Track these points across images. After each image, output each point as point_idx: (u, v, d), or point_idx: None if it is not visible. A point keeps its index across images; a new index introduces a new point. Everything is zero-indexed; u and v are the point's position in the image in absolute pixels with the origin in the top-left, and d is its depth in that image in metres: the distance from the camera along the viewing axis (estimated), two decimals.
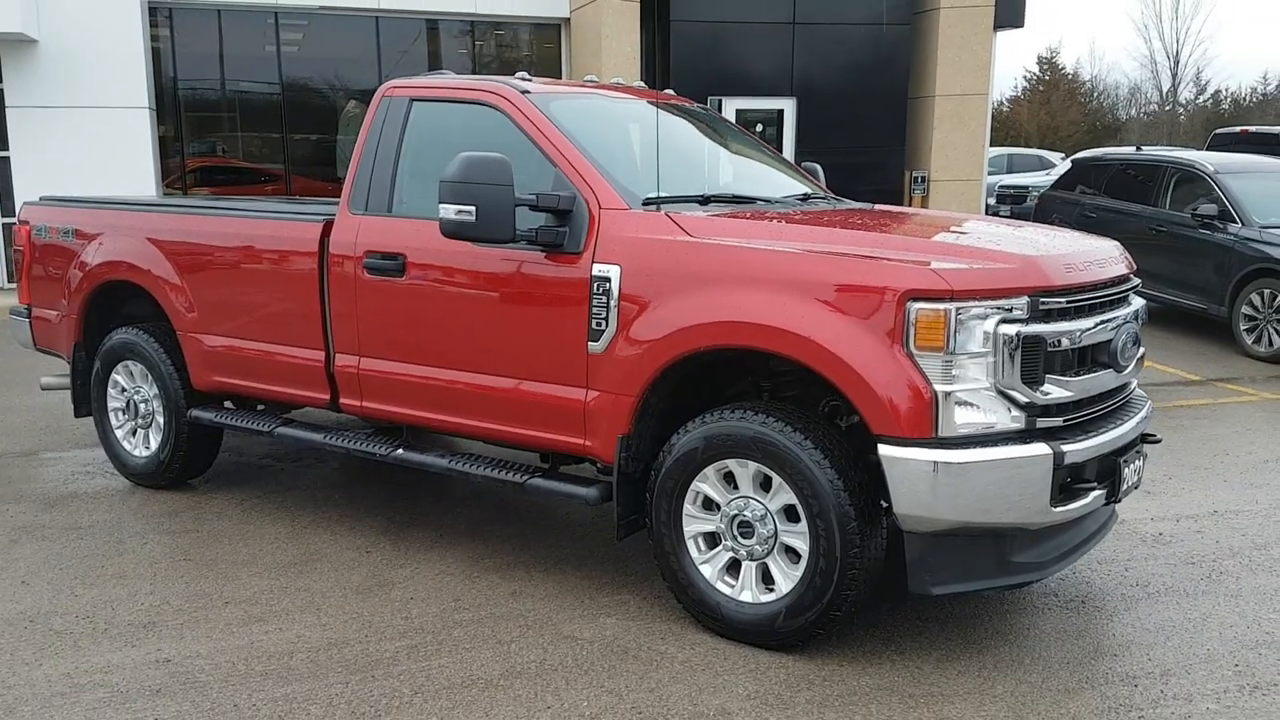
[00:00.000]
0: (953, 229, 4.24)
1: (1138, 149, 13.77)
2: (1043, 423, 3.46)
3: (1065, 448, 3.42)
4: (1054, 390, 3.46)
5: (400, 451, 4.63)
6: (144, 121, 13.72)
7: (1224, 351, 9.77)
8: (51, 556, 4.68)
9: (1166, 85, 45.33)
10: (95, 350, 5.70)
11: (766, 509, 3.69)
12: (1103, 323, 3.66)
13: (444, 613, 4.08)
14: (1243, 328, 9.69)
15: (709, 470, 3.78)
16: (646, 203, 4.07)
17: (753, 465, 3.68)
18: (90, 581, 4.40)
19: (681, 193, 4.27)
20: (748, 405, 3.76)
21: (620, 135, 4.76)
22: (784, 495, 3.63)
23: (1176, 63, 44.61)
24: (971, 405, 3.37)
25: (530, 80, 4.59)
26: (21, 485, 5.74)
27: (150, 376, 5.47)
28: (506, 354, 4.20)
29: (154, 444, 5.54)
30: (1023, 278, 3.46)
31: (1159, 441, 4.24)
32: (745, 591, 3.78)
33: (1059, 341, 3.45)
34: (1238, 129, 19.41)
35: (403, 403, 4.54)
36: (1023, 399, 3.40)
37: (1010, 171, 22.94)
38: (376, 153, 4.62)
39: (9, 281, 13.63)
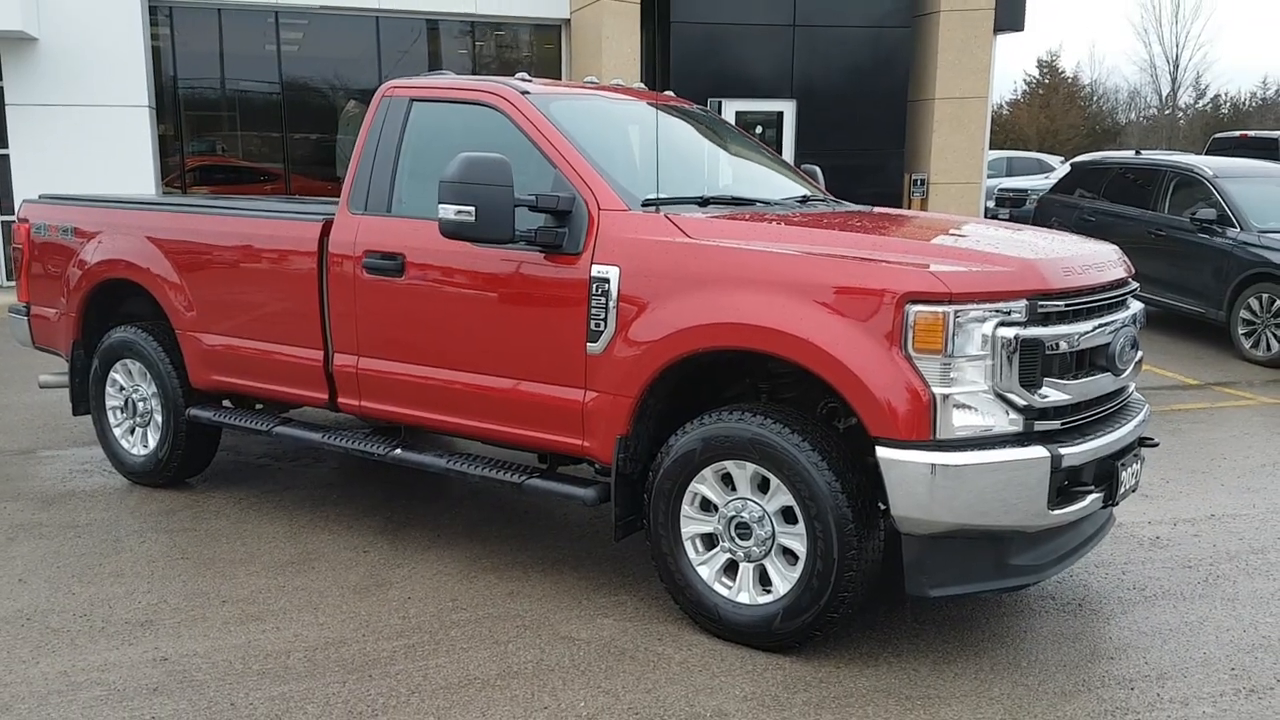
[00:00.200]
0: (952, 232, 4.24)
1: (1137, 153, 13.79)
2: (1040, 426, 3.47)
3: (1063, 451, 3.43)
4: (1052, 393, 3.47)
5: (398, 451, 4.64)
6: (144, 120, 13.72)
7: (1222, 356, 9.78)
8: (49, 554, 4.68)
9: (1166, 89, 45.39)
10: (94, 348, 5.70)
11: (764, 510, 3.69)
12: (1101, 326, 3.67)
13: (441, 612, 4.08)
14: (1241, 332, 9.70)
15: (707, 472, 3.78)
16: (646, 204, 4.07)
17: (750, 467, 3.68)
18: (88, 579, 4.40)
19: (681, 194, 4.27)
20: (746, 407, 3.76)
21: (620, 137, 4.77)
22: (782, 497, 3.64)
23: (1176, 67, 44.67)
24: (969, 408, 3.38)
25: (530, 81, 4.59)
26: (19, 483, 5.74)
27: (149, 375, 5.47)
28: (505, 354, 4.20)
29: (152, 442, 5.54)
30: (1021, 281, 3.46)
31: (1156, 445, 4.25)
32: (743, 593, 3.78)
33: (1057, 345, 3.46)
34: (1236, 133, 19.47)
35: (401, 402, 4.55)
36: (1021, 402, 3.41)
37: (1009, 175, 22.98)
38: (376, 153, 4.62)
39: (8, 279, 13.63)
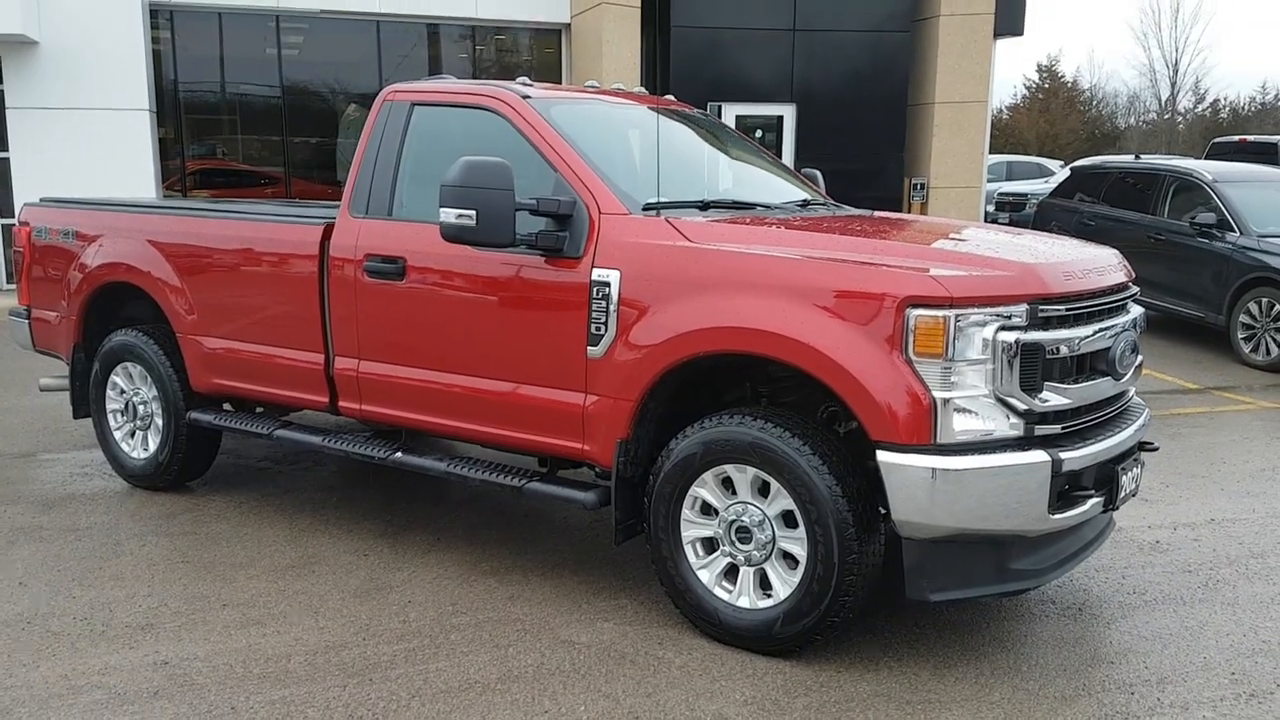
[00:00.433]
0: (952, 236, 4.25)
1: (1137, 157, 13.82)
2: (1041, 430, 3.47)
3: (1063, 455, 3.43)
4: (1052, 398, 3.47)
5: (399, 455, 4.64)
6: (144, 123, 13.73)
7: (1221, 360, 9.79)
8: (49, 558, 4.68)
9: (1165, 94, 45.44)
10: (94, 352, 5.70)
11: (765, 514, 3.70)
12: (1101, 330, 3.67)
13: (441, 616, 4.08)
14: (1240, 336, 9.71)
15: (707, 475, 3.78)
16: (647, 208, 4.08)
17: (751, 471, 3.68)
18: (88, 583, 4.40)
19: (681, 198, 4.28)
20: (746, 411, 3.76)
21: (621, 141, 4.77)
22: (782, 501, 3.64)
23: (1175, 71, 44.73)
24: (970, 412, 3.38)
25: (531, 85, 4.60)
26: (20, 486, 5.74)
27: (149, 378, 5.47)
28: (506, 358, 4.21)
29: (152, 446, 5.54)
30: (1022, 285, 3.47)
31: (1156, 449, 4.25)
32: (743, 597, 3.78)
33: (1057, 349, 3.46)
34: (1236, 138, 19.48)
35: (402, 406, 4.55)
36: (1021, 406, 3.41)
37: (1009, 179, 23.00)
38: (377, 157, 4.63)
39: (8, 283, 13.63)
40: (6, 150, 13.39)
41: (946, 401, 3.36)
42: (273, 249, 4.90)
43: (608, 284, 3.90)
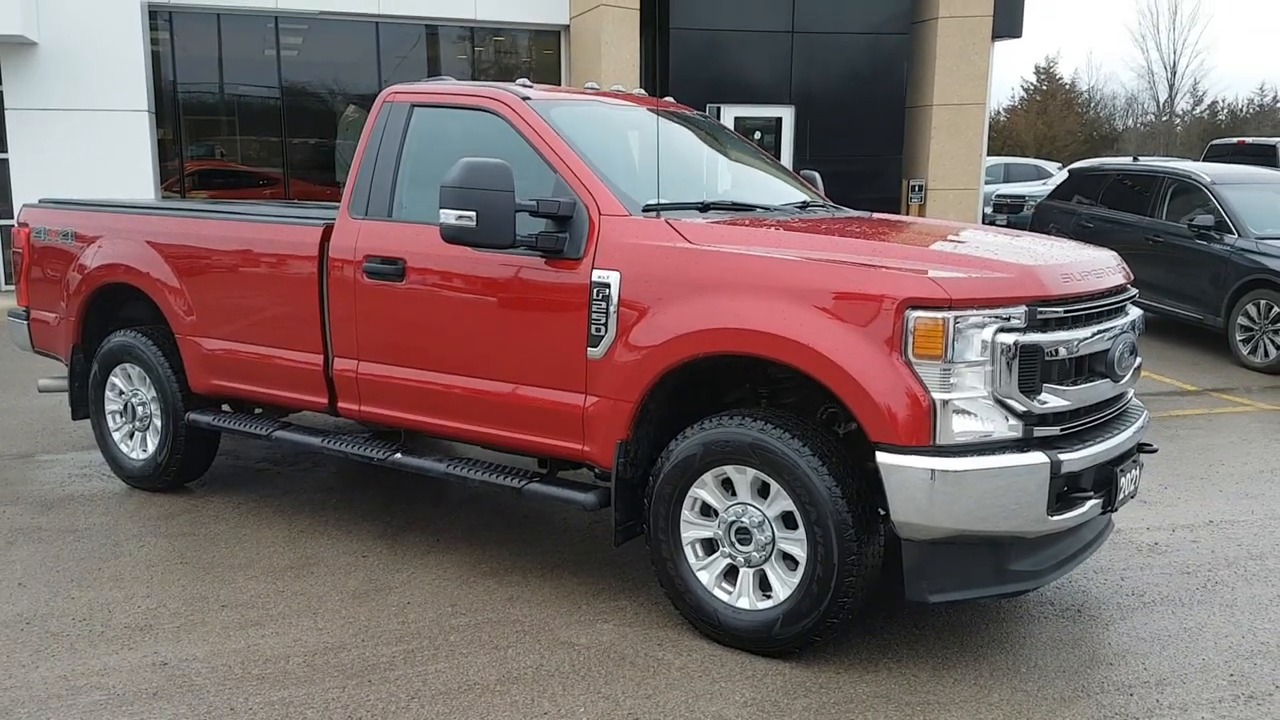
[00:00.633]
0: (951, 238, 4.26)
1: (1135, 159, 13.82)
2: (1040, 432, 3.47)
3: (1062, 457, 3.44)
4: (1051, 399, 3.48)
5: (398, 456, 4.64)
6: (143, 124, 13.73)
7: (1220, 362, 9.80)
8: (48, 559, 4.68)
9: (1163, 96, 45.51)
10: (93, 353, 5.70)
11: (764, 516, 3.70)
12: (1100, 332, 3.68)
13: (440, 618, 4.08)
14: (1239, 338, 9.72)
15: (707, 476, 3.78)
16: (646, 209, 4.08)
17: (751, 472, 3.69)
18: (87, 584, 4.39)
19: (681, 200, 4.28)
20: (746, 412, 3.76)
21: (620, 142, 4.78)
22: (782, 502, 3.64)
23: (1173, 73, 44.79)
24: (969, 414, 3.38)
25: (531, 87, 4.60)
26: (18, 487, 5.73)
27: (148, 379, 5.47)
28: (505, 359, 4.21)
29: (151, 447, 5.54)
30: (1021, 287, 3.47)
31: (1155, 451, 4.25)
32: (743, 598, 3.78)
33: (1056, 351, 3.47)
34: (1234, 140, 19.51)
35: (401, 407, 4.55)
36: (1020, 408, 3.41)
37: (1007, 181, 23.02)
38: (377, 158, 4.63)
39: (7, 283, 13.62)
40: (5, 151, 13.39)
41: (945, 403, 3.36)
42: (272, 250, 4.90)
43: (608, 285, 3.90)
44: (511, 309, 4.17)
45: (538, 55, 16.95)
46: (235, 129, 15.83)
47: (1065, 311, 3.55)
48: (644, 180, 4.30)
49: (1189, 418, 7.66)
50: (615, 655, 3.78)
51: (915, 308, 3.36)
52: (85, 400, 5.81)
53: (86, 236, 5.64)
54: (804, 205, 4.92)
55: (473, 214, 3.89)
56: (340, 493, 5.70)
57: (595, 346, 3.94)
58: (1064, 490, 3.51)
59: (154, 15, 14.45)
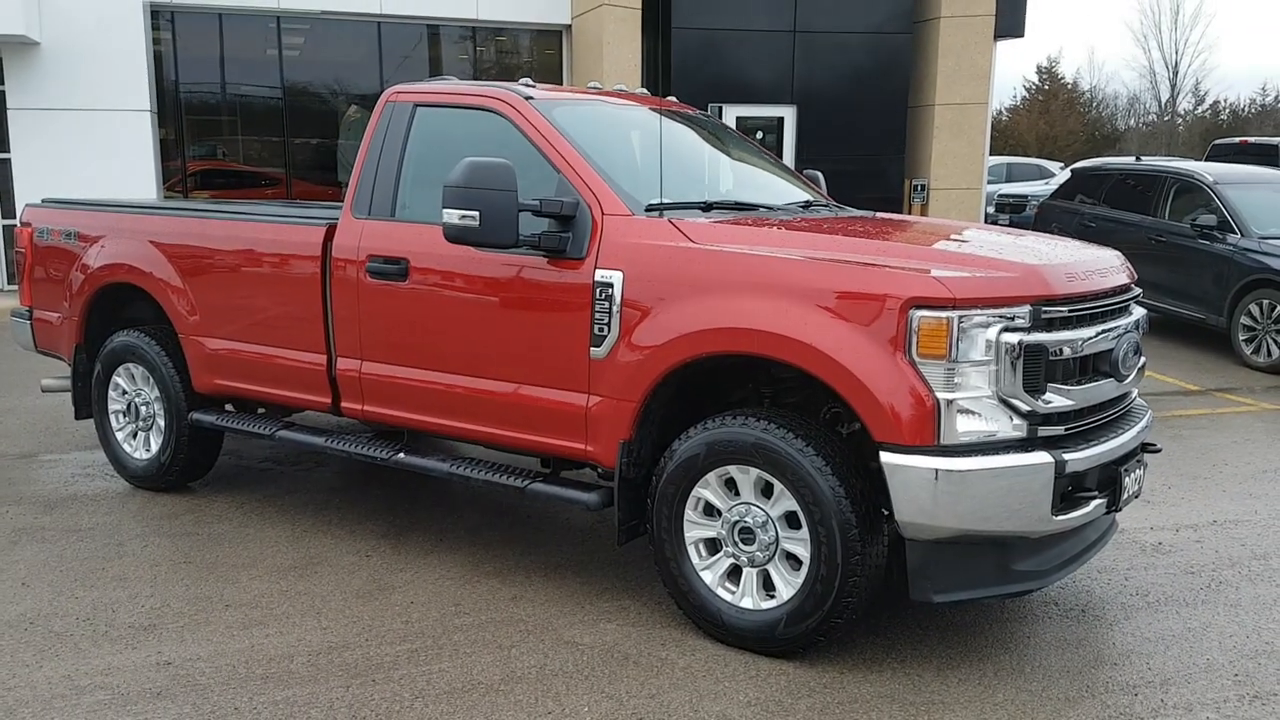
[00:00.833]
0: (955, 237, 4.25)
1: (1137, 159, 13.81)
2: (1044, 431, 3.47)
3: (1067, 456, 3.43)
4: (1055, 399, 3.47)
5: (401, 456, 4.64)
6: (145, 124, 13.74)
7: (1222, 362, 9.79)
8: (52, 558, 4.68)
9: (1165, 96, 45.49)
10: (96, 352, 5.71)
11: (768, 515, 3.70)
12: (1104, 332, 3.67)
13: (444, 617, 4.08)
14: (1241, 338, 9.71)
15: (710, 476, 3.78)
16: (649, 209, 4.08)
17: (754, 472, 3.68)
18: (90, 584, 4.40)
19: (684, 199, 4.28)
20: (749, 411, 3.76)
21: (623, 142, 4.77)
22: (785, 502, 3.64)
23: (1175, 73, 44.77)
24: (973, 413, 3.38)
25: (534, 86, 4.60)
26: (22, 487, 5.73)
27: (151, 379, 5.47)
28: (508, 359, 4.21)
29: (154, 446, 5.54)
30: (1025, 286, 3.47)
31: (1159, 451, 4.25)
32: (746, 598, 3.78)
33: (1061, 350, 3.46)
34: (1236, 140, 19.49)
35: (404, 407, 4.55)
36: (1024, 407, 3.41)
37: (1009, 181, 23.01)
38: (380, 158, 4.63)
39: (10, 283, 13.63)
40: (8, 151, 13.39)
41: (950, 402, 3.35)
42: (275, 250, 4.90)
43: (611, 285, 3.90)
44: (514, 309, 4.17)
45: (539, 55, 16.95)
46: (237, 129, 15.83)
47: (1069, 311, 3.55)
48: (647, 180, 4.30)
49: (1192, 417, 7.65)
50: (619, 655, 3.78)
51: (919, 307, 3.36)
52: (88, 400, 5.81)
53: (89, 236, 5.64)
54: (807, 205, 4.92)
55: (476, 213, 3.89)
56: (343, 492, 5.70)
57: (598, 346, 3.94)
58: (1068, 490, 3.50)
59: (156, 15, 14.46)
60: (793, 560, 3.68)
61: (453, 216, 3.92)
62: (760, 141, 14.57)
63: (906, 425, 3.36)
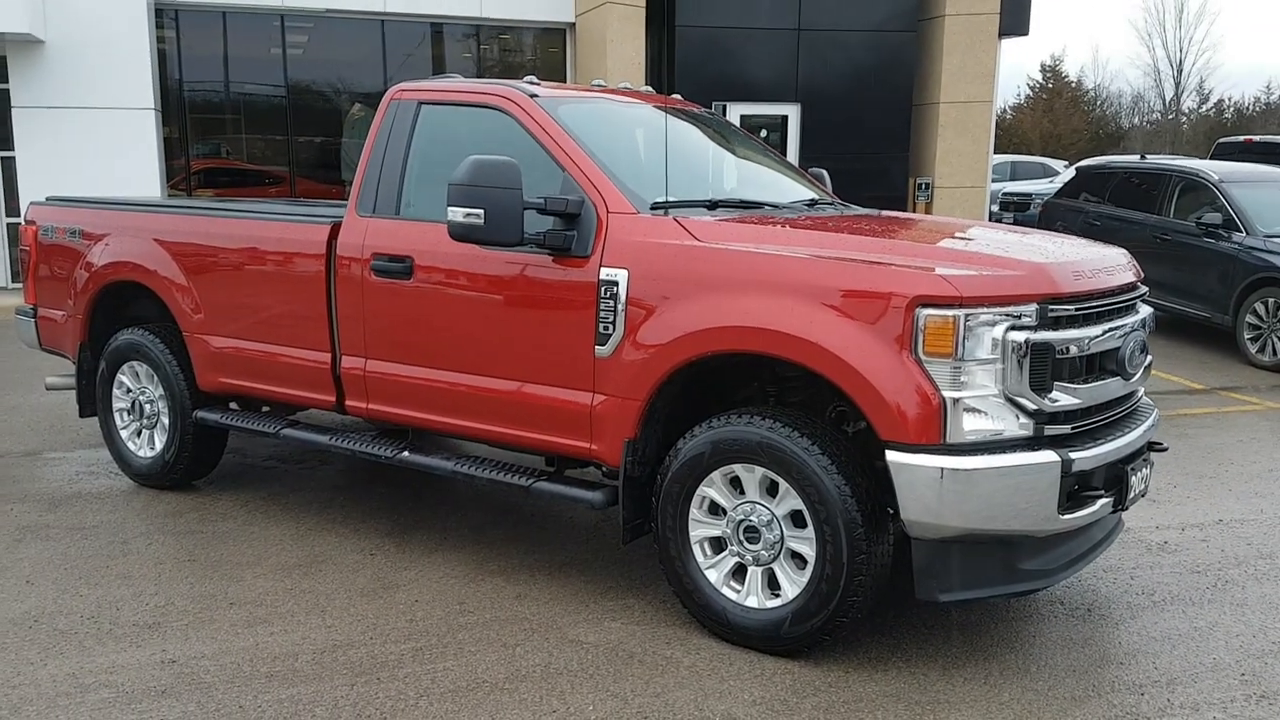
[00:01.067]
0: (961, 235, 4.24)
1: (1142, 157, 13.79)
2: (1051, 430, 3.46)
3: (1073, 455, 3.42)
4: (1062, 398, 3.46)
5: (405, 454, 4.63)
6: (149, 123, 13.74)
7: (1228, 360, 9.77)
8: (56, 556, 4.68)
9: (1169, 94, 45.38)
10: (101, 350, 5.71)
11: (773, 514, 3.69)
12: (1111, 330, 3.66)
13: (449, 616, 4.08)
14: (1247, 337, 9.69)
15: (715, 475, 3.77)
16: (654, 207, 4.07)
17: (759, 470, 3.68)
18: (95, 582, 4.40)
19: (689, 197, 4.27)
20: (755, 410, 3.75)
21: (628, 140, 4.77)
22: (791, 501, 3.63)
23: (1180, 71, 44.66)
24: (980, 412, 3.37)
25: (538, 84, 4.59)
26: (26, 485, 5.74)
27: (156, 377, 5.47)
28: (513, 357, 4.20)
29: (159, 445, 5.54)
30: (1032, 285, 3.46)
31: (1166, 450, 4.24)
32: (751, 597, 3.77)
33: (1067, 349, 3.45)
34: (1241, 138, 19.41)
35: (409, 405, 4.54)
36: (1031, 406, 3.40)
37: (1013, 179, 22.97)
38: (384, 156, 4.62)
39: (14, 281, 13.64)
40: (12, 149, 13.40)
41: (956, 401, 3.34)
42: (279, 248, 4.89)
43: (616, 283, 3.89)
44: (519, 307, 4.17)
45: (543, 53, 16.94)
46: (241, 127, 15.84)
47: (1076, 309, 3.53)
48: (652, 178, 4.29)
49: (1197, 416, 7.63)
50: (624, 653, 3.77)
51: (926, 305, 3.35)
52: (93, 398, 5.81)
53: (94, 234, 5.64)
54: (812, 203, 4.91)
55: (481, 212, 3.88)
56: (348, 491, 5.70)
57: (603, 345, 3.93)
58: (1074, 489, 3.49)
59: (160, 13, 14.46)
60: (798, 559, 3.67)
61: (457, 214, 3.92)
62: (764, 140, 14.55)
63: (912, 424, 3.35)
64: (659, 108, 4.96)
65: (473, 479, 4.40)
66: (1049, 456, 3.39)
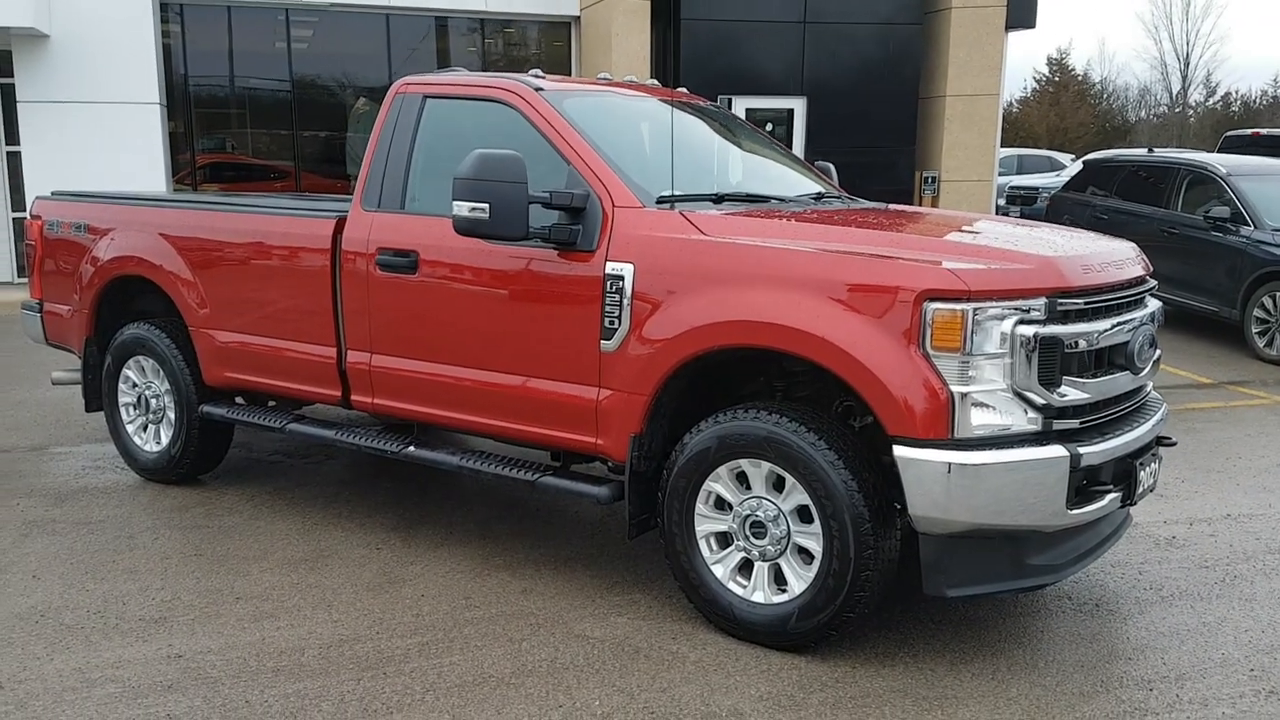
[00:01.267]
0: (969, 229, 4.22)
1: (1150, 151, 13.72)
2: (1059, 425, 3.44)
3: (1082, 450, 3.40)
4: (1071, 392, 3.44)
5: (411, 449, 4.63)
6: (155, 117, 13.75)
7: (1235, 354, 9.73)
8: (62, 551, 4.68)
9: (1176, 87, 45.24)
10: (107, 345, 5.71)
11: (779, 509, 3.67)
12: (1119, 324, 3.64)
13: (455, 610, 4.07)
14: (1254, 331, 9.65)
15: (722, 470, 3.76)
16: (660, 201, 4.05)
17: (766, 465, 3.66)
18: (101, 576, 4.40)
19: (695, 191, 4.25)
20: (761, 405, 3.74)
21: (634, 133, 4.74)
22: (797, 496, 3.62)
23: (1187, 65, 44.52)
24: (988, 406, 3.35)
25: (544, 77, 4.58)
26: (32, 480, 5.74)
27: (162, 372, 5.47)
28: (519, 352, 4.19)
29: (165, 439, 5.54)
30: (1040, 278, 3.44)
31: (1175, 444, 4.21)
32: (757, 592, 3.76)
33: (1076, 343, 3.43)
34: (1249, 131, 19.34)
35: (414, 400, 4.54)
36: (1040, 401, 3.38)
37: (1020, 173, 22.89)
38: (390, 150, 4.61)
39: (20, 276, 13.66)
40: (18, 144, 13.41)
41: (964, 396, 3.33)
42: (285, 242, 4.89)
43: (621, 278, 3.88)
44: (524, 302, 4.15)
45: (548, 47, 16.90)
46: (246, 122, 15.84)
47: (1085, 303, 3.51)
48: (657, 172, 4.27)
49: (1205, 411, 7.61)
50: (630, 648, 3.77)
51: (934, 299, 3.33)
52: (99, 393, 5.81)
53: (99, 229, 5.64)
54: (819, 197, 4.89)
55: (486, 206, 3.87)
56: (353, 485, 5.70)
57: (609, 339, 3.92)
58: (1083, 484, 3.47)
59: (165, 8, 14.45)
60: (804, 554, 3.66)
61: (462, 209, 3.90)
62: (770, 133, 14.51)
63: (920, 419, 3.33)
64: (665, 101, 4.94)
65: (478, 474, 4.39)
66: (1057, 451, 3.37)
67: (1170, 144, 36.46)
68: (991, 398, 3.35)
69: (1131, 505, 3.81)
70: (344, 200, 5.30)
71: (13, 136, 13.49)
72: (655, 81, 5.58)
